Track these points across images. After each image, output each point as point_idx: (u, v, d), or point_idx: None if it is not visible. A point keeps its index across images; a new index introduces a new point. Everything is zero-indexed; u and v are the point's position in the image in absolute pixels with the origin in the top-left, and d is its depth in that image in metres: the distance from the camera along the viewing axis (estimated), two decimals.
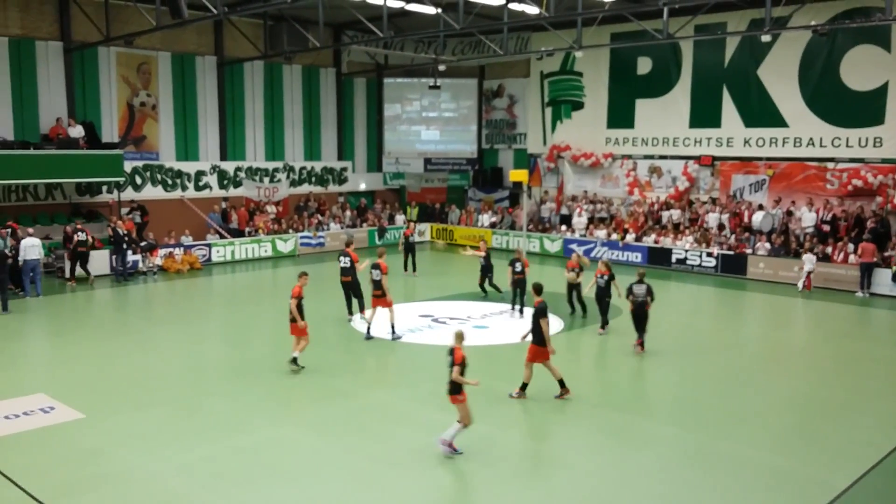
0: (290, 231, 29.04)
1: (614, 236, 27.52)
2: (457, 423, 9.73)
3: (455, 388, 9.64)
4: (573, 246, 27.00)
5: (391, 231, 31.55)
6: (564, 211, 30.34)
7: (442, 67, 28.63)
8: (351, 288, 17.14)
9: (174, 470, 9.31)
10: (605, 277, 16.05)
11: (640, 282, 14.73)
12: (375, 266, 15.82)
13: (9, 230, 20.77)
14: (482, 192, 34.30)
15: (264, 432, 10.60)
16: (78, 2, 24.20)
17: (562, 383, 11.97)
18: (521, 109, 33.36)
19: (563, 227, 29.46)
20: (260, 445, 10.11)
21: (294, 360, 13.31)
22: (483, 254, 19.89)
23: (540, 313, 11.57)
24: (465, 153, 34.71)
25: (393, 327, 15.70)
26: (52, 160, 22.95)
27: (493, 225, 31.45)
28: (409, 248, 24.40)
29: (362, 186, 33.79)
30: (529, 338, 11.90)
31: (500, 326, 17.04)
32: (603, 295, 16.17)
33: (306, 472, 9.36)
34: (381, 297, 15.67)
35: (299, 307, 13.19)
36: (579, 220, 28.83)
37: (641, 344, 14.92)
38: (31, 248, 19.88)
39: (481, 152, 34.83)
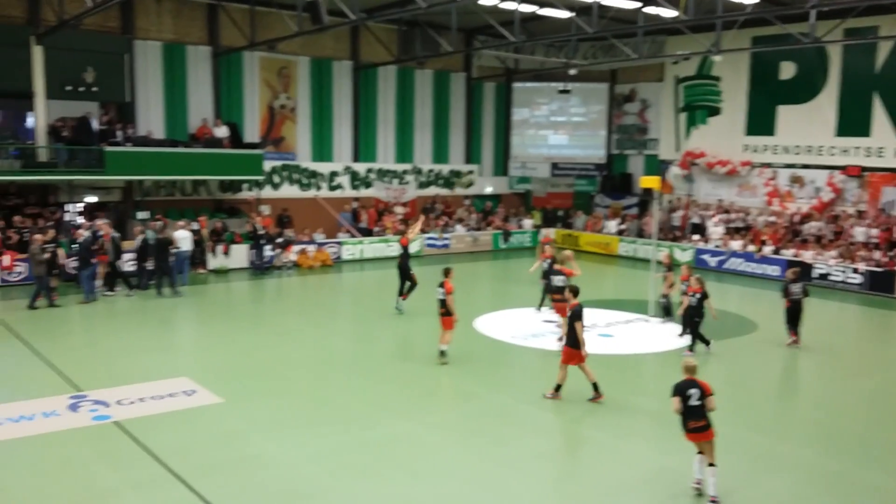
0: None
1: (750, 248, 26.34)
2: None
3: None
4: (705, 256, 26.06)
5: (516, 235, 31.54)
6: (696, 220, 29.34)
7: (573, 71, 28.31)
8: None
9: (305, 457, 9.63)
10: (698, 296, 14.90)
11: (795, 280, 15.83)
12: (557, 272, 15.81)
13: (159, 223, 22.14)
14: (610, 198, 33.68)
15: (389, 427, 10.80)
16: (226, 9, 25.56)
17: (595, 387, 11.91)
18: (653, 114, 32.54)
19: (696, 237, 28.47)
20: (385, 440, 10.30)
21: (442, 353, 13.84)
22: (548, 259, 17.91)
23: (575, 316, 11.65)
24: (593, 158, 34.19)
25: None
26: (199, 158, 24.34)
27: (620, 232, 30.81)
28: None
29: (488, 190, 33.94)
30: (564, 340, 12.07)
31: (625, 336, 16.65)
32: (693, 314, 15.07)
33: (430, 469, 9.45)
34: (562, 301, 13.69)
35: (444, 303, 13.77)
36: (715, 230, 27.79)
37: (796, 339, 15.62)
38: (184, 239, 21.24)
39: (610, 158, 34.21)
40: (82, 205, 23.83)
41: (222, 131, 25.43)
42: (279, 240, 25.06)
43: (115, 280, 20.26)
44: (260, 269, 24.07)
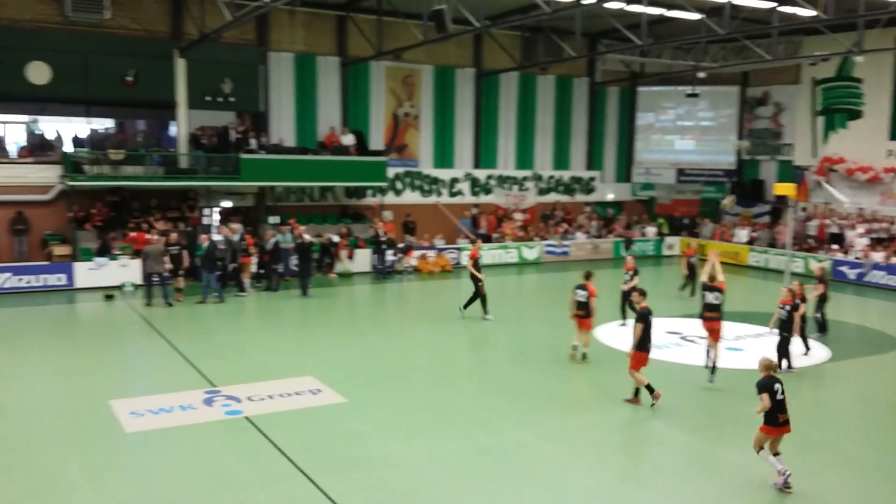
0: (536, 238, 29.37)
1: (894, 259, 24.62)
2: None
3: None
4: (843, 268, 24.63)
5: (638, 243, 30.82)
6: (834, 229, 27.71)
7: (702, 74, 27.39)
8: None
9: (425, 460, 9.74)
10: (788, 308, 13.79)
11: None
12: (713, 288, 13.44)
13: (289, 227, 23.04)
14: (740, 205, 32.33)
15: (509, 435, 10.76)
16: (354, 19, 26.34)
17: (637, 392, 11.97)
18: (787, 118, 31.03)
19: (834, 247, 26.88)
20: (505, 447, 10.27)
21: (584, 356, 14.17)
22: (631, 270, 17.55)
23: (640, 318, 11.78)
24: (721, 164, 32.95)
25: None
26: (327, 165, 25.19)
27: (751, 241, 29.52)
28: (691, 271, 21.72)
29: (610, 197, 33.35)
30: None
31: (755, 349, 15.89)
32: (782, 329, 13.89)
33: (549, 479, 9.34)
34: (717, 320, 13.44)
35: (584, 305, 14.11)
36: (859, 241, 26.16)
37: None
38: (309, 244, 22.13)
39: (740, 163, 32.86)
40: (218, 209, 25.13)
41: (349, 139, 26.21)
42: (401, 245, 25.55)
43: (241, 282, 21.20)
44: (382, 273, 24.62)
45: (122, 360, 14.87)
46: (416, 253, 25.95)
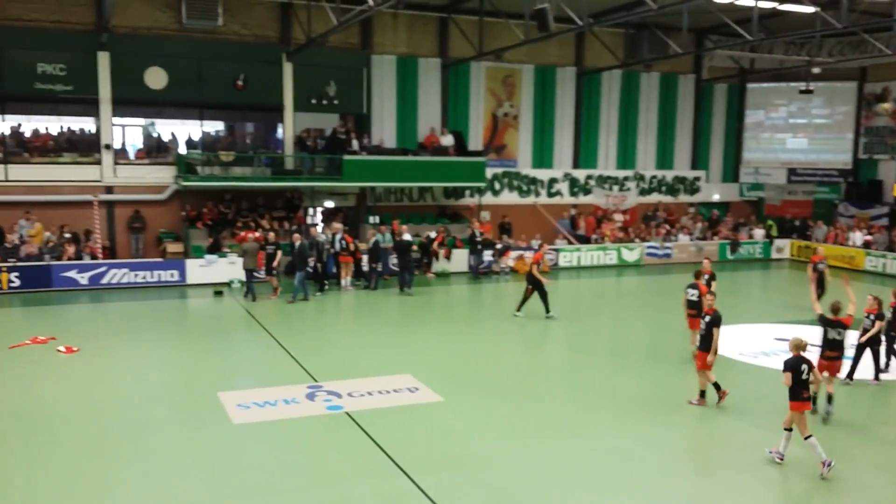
0: (637, 240, 28.77)
1: None
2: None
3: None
4: None
5: (745, 246, 29.73)
6: None
7: (816, 70, 26.19)
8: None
9: (521, 462, 9.69)
10: (872, 317, 12.85)
11: None
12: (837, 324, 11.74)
13: (389, 227, 23.41)
14: (855, 207, 30.70)
15: (606, 439, 10.58)
16: (456, 21, 26.50)
17: (703, 394, 11.90)
18: None
19: None
20: (601, 451, 10.10)
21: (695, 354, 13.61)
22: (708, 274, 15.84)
23: (714, 322, 11.67)
24: (836, 163, 31.38)
25: None
26: (426, 166, 25.45)
27: (866, 245, 27.98)
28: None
29: (715, 197, 32.31)
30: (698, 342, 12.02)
31: (866, 359, 15.02)
32: (872, 342, 12.94)
33: (648, 487, 9.12)
34: (838, 359, 11.82)
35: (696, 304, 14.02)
36: None
37: None
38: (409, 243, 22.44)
39: (857, 163, 31.20)
40: (321, 209, 25.81)
41: (448, 139, 26.39)
42: (498, 245, 25.52)
43: (323, 281, 21.54)
44: (478, 273, 24.66)
45: (229, 353, 15.47)
46: (513, 253, 25.86)
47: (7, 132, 23.15)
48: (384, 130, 26.73)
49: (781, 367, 9.77)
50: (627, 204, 30.41)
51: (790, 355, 9.68)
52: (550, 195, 29.46)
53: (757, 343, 16.14)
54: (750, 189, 32.84)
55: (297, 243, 20.31)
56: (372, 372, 13.49)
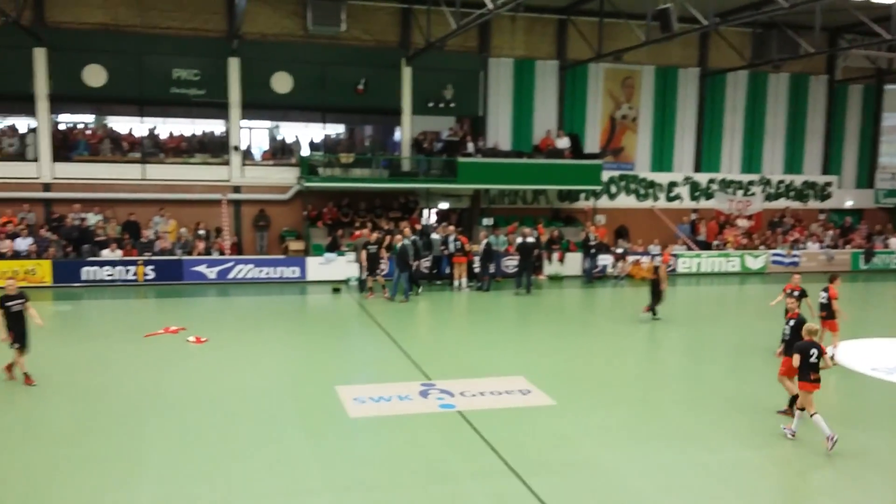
0: (762, 247, 27.58)
1: None
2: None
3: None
4: None
5: (879, 255, 27.96)
6: None
7: None
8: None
9: (636, 471, 9.45)
10: None
11: None
12: None
13: (504, 230, 23.43)
14: None
15: (728, 452, 10.15)
16: (575, 22, 26.24)
17: (792, 402, 11.18)
18: None
19: None
20: (723, 465, 9.70)
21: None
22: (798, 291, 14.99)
23: (799, 325, 11.33)
24: None
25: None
26: (541, 169, 25.32)
27: None
28: None
29: (848, 204, 30.55)
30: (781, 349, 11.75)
31: None
32: None
33: None
34: None
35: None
36: None
37: None
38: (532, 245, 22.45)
39: None
40: (435, 210, 26.12)
41: (564, 142, 26.15)
42: (619, 251, 25.05)
43: (418, 282, 21.63)
44: (592, 277, 24.28)
45: (346, 348, 15.88)
46: (629, 258, 25.32)
47: (145, 134, 24.66)
48: (499, 133, 26.79)
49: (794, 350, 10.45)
50: (752, 209, 29.21)
51: None
52: (669, 199, 28.69)
53: (892, 358, 15.15)
54: (886, 195, 30.88)
55: (399, 244, 20.61)
56: (484, 372, 13.51)
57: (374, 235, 21.30)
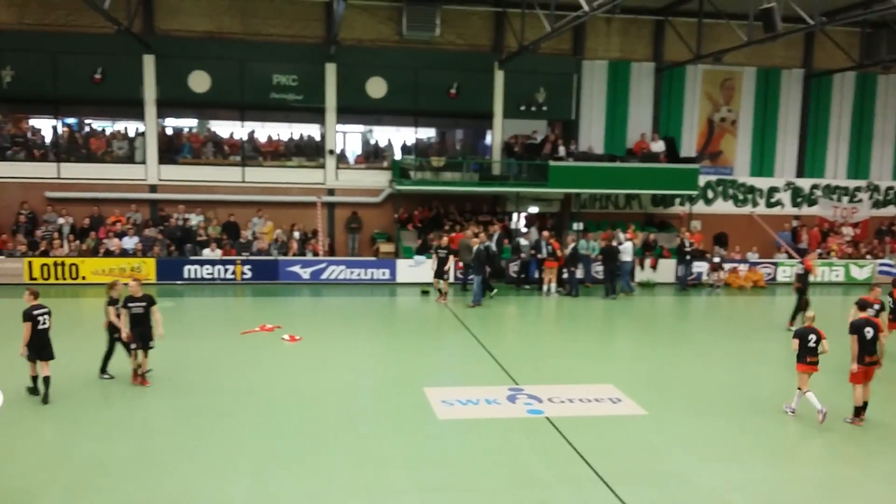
0: (868, 257, 26.25)
1: None
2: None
3: None
4: None
5: None
6: None
7: None
8: None
9: (730, 485, 9.13)
10: None
11: None
12: None
13: (597, 235, 23.09)
14: None
15: (834, 470, 9.70)
16: (672, 23, 25.65)
17: (857, 410, 11.25)
18: None
19: None
20: (827, 483, 9.27)
21: None
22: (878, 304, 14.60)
23: (852, 330, 11.35)
24: None
25: None
26: (634, 173, 24.85)
27: None
28: None
29: None
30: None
31: None
32: None
33: None
34: None
35: None
36: None
37: None
38: (626, 251, 21.99)
39: None
40: (525, 214, 25.99)
41: (659, 146, 25.61)
42: (716, 259, 24.31)
43: (492, 286, 21.47)
44: (686, 285, 23.64)
45: (434, 350, 15.99)
46: (727, 266, 24.54)
47: (245, 138, 25.52)
48: (592, 136, 26.45)
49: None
50: (858, 217, 27.84)
51: None
52: (769, 205, 27.67)
53: None
54: None
55: (475, 247, 20.55)
56: (572, 379, 13.36)
57: (444, 240, 21.13)
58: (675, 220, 26.86)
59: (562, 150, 25.04)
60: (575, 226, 25.03)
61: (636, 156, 25.58)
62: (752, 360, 15.54)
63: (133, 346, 12.25)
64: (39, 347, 11.44)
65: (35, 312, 11.43)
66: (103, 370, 12.75)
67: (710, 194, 27.27)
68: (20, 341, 11.38)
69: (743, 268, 24.85)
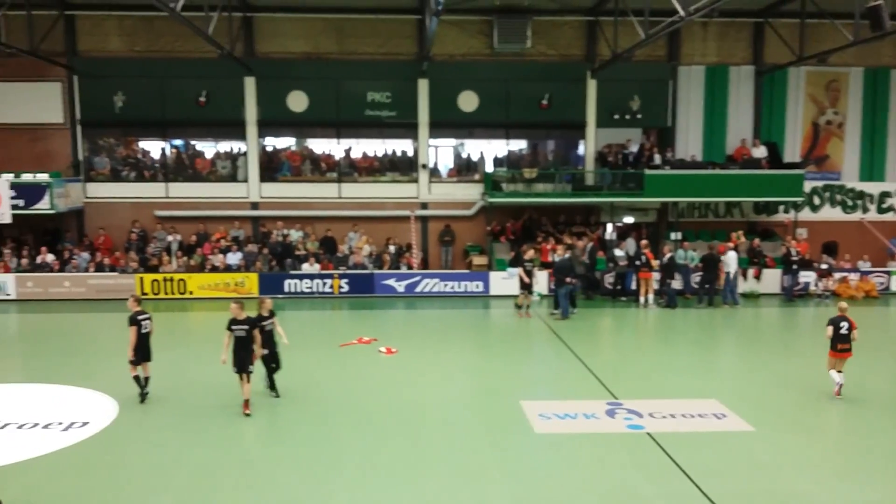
0: None
1: None
2: None
3: None
4: None
5: None
6: None
7: None
8: None
9: None
10: None
11: None
12: None
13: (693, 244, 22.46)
14: None
15: None
16: (773, 25, 24.79)
17: None
18: None
19: None
20: None
21: None
22: None
23: None
24: None
25: None
26: (734, 180, 24.05)
27: None
28: None
29: None
30: None
31: None
32: None
33: None
34: None
35: None
36: None
37: None
38: (731, 261, 21.37)
39: None
40: (619, 225, 25.53)
41: (760, 151, 24.75)
42: (823, 266, 23.24)
43: (573, 298, 20.95)
44: (792, 296, 22.65)
45: (529, 363, 15.87)
46: (836, 276, 23.40)
47: (341, 155, 26.11)
48: (689, 143, 25.78)
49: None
50: None
51: None
52: (881, 211, 26.26)
53: None
54: None
55: (558, 259, 20.20)
56: (673, 393, 13.01)
57: (531, 252, 20.94)
58: (780, 229, 25.83)
59: (657, 158, 24.52)
60: (672, 235, 24.40)
61: (736, 162, 24.76)
62: (867, 374, 14.73)
63: (235, 370, 11.77)
64: (141, 350, 12.41)
65: (139, 318, 12.42)
66: (272, 387, 12.88)
67: (816, 200, 26.11)
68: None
69: (854, 277, 23.64)
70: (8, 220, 22.83)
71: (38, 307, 21.86)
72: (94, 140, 25.54)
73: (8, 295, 22.62)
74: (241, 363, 11.76)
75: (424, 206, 25.56)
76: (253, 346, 11.86)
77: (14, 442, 10.76)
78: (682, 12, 17.20)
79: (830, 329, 12.80)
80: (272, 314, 12.73)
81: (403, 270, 23.71)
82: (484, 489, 9.15)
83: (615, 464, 9.97)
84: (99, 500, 8.93)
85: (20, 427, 11.36)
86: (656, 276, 21.76)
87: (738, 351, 17.05)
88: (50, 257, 23.43)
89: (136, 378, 12.55)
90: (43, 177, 23.28)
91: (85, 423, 11.49)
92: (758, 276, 23.49)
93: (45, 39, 22.68)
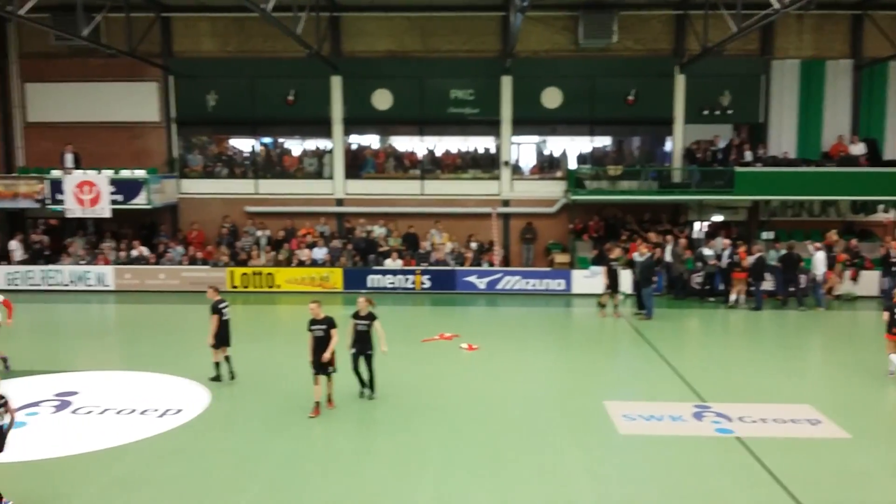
0: None
1: None
2: None
3: None
4: None
5: None
6: None
7: None
8: None
9: None
10: None
11: None
12: None
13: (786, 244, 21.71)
14: None
15: None
16: (872, 17, 23.69)
17: None
18: None
19: None
20: None
21: None
22: None
23: None
24: None
25: None
26: (831, 177, 23.12)
27: None
28: None
29: None
30: None
31: None
32: None
33: None
34: None
35: None
36: None
37: None
38: (820, 262, 20.66)
39: None
40: (707, 223, 24.88)
41: (859, 148, 23.71)
42: None
43: (682, 293, 20.82)
44: (892, 298, 21.53)
45: (613, 363, 15.65)
46: None
47: (424, 152, 26.32)
48: (783, 140, 24.88)
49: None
50: None
51: None
52: None
53: None
54: None
55: (642, 258, 19.76)
56: (764, 398, 12.60)
57: (617, 251, 20.48)
58: (879, 229, 24.67)
59: (748, 155, 23.77)
60: (764, 235, 23.62)
61: (833, 160, 23.77)
62: None
63: (315, 371, 11.66)
64: (222, 335, 13.31)
65: (220, 306, 13.37)
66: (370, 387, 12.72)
67: None
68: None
69: None
70: (108, 214, 23.95)
71: (134, 298, 22.86)
72: (188, 138, 26.53)
73: (107, 286, 23.73)
74: (318, 364, 11.63)
75: (506, 203, 25.51)
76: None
77: (113, 427, 11.29)
78: (776, 4, 16.65)
79: (886, 314, 13.71)
80: (371, 316, 12.43)
81: (485, 267, 23.72)
82: (568, 489, 9.08)
83: (703, 468, 9.74)
84: (190, 484, 9.28)
85: (118, 413, 11.92)
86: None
87: (829, 354, 16.39)
88: (144, 250, 24.44)
89: (217, 364, 13.40)
90: (140, 173, 24.34)
91: (179, 411, 11.96)
92: (855, 278, 22.48)
93: (143, 41, 23.68)
